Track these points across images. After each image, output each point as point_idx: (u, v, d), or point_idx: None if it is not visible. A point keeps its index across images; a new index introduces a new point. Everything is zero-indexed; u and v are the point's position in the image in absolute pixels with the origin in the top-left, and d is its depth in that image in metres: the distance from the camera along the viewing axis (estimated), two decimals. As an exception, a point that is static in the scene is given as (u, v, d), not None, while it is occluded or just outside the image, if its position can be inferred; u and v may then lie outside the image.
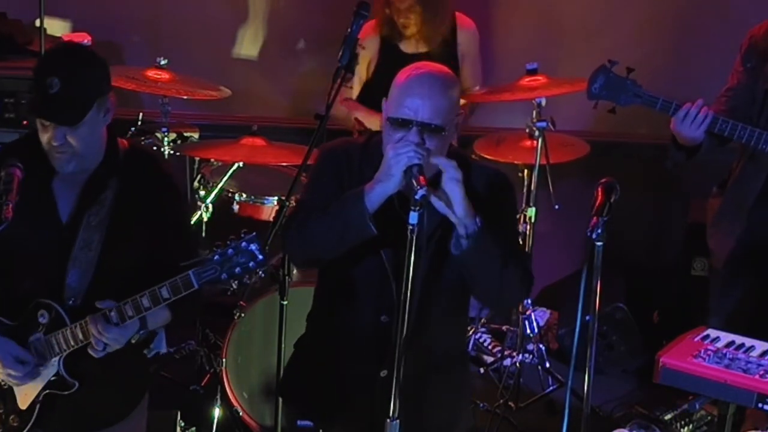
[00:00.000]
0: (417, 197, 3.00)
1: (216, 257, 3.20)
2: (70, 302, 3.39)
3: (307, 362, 3.54)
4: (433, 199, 3.09)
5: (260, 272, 3.28)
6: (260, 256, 3.22)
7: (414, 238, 2.99)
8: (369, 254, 3.24)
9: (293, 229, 3.36)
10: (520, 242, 3.42)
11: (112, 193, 3.41)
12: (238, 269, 3.21)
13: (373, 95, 5.33)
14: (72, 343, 3.36)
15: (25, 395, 3.44)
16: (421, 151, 3.11)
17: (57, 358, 3.40)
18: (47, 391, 3.42)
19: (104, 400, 3.50)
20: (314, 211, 3.28)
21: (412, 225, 3.00)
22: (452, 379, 3.48)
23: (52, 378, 3.42)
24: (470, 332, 5.33)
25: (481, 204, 3.23)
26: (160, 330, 3.50)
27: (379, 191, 3.16)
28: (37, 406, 3.43)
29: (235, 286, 3.17)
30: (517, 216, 3.45)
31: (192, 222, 3.56)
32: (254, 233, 3.25)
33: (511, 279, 3.25)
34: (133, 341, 3.36)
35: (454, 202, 3.13)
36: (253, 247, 3.21)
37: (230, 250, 3.21)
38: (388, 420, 3.06)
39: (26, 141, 3.48)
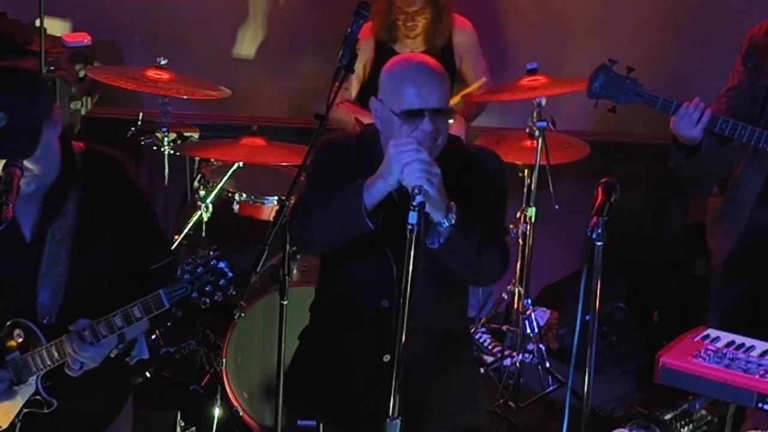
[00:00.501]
0: (415, 203, 3.03)
1: (186, 276, 3.19)
2: (45, 321, 3.34)
3: (312, 353, 3.56)
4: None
5: (231, 291, 3.26)
6: (230, 274, 3.23)
7: (413, 237, 3.00)
8: (371, 246, 3.24)
9: (296, 223, 3.38)
10: (505, 220, 3.43)
11: (74, 203, 3.34)
12: (208, 287, 3.21)
13: (368, 96, 5.32)
14: (48, 362, 3.32)
15: (5, 414, 3.40)
16: (422, 149, 3.12)
17: (34, 377, 3.35)
18: (27, 410, 3.38)
19: (86, 413, 3.46)
20: (315, 204, 3.31)
21: (411, 225, 3.01)
22: (459, 358, 3.51)
23: (31, 397, 3.37)
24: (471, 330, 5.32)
25: (469, 184, 3.29)
26: (140, 337, 3.44)
27: (379, 187, 3.17)
28: (18, 425, 3.39)
29: (207, 303, 3.16)
30: (505, 193, 3.45)
31: (157, 220, 3.49)
32: (220, 251, 3.25)
33: (489, 262, 3.29)
34: (112, 356, 3.32)
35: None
36: (222, 265, 3.22)
37: (200, 268, 3.20)
38: (388, 420, 3.06)
39: None
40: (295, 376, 3.63)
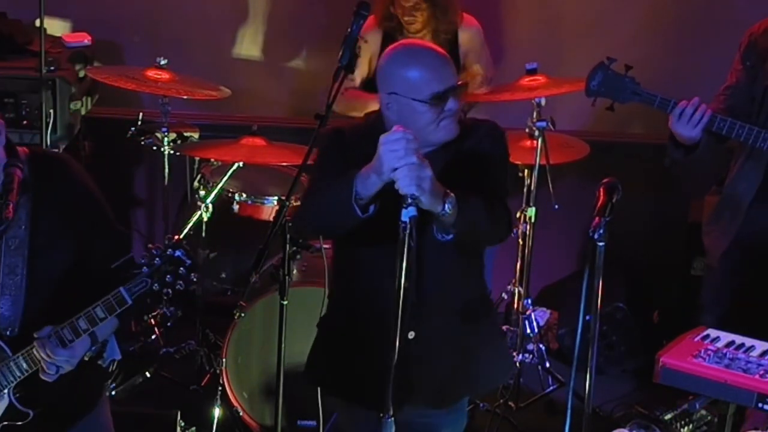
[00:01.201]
0: (407, 213, 3.02)
1: (144, 269, 3.19)
2: (8, 333, 3.31)
3: (333, 339, 3.56)
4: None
5: (192, 276, 3.26)
6: (188, 261, 3.22)
7: (406, 235, 3.00)
8: (382, 229, 3.19)
9: (301, 209, 3.42)
10: (505, 180, 3.46)
11: (25, 210, 3.29)
12: (168, 277, 3.20)
13: (374, 90, 5.31)
14: (18, 373, 3.30)
15: None
16: (411, 148, 3.08)
17: (6, 391, 3.33)
18: (3, 423, 3.35)
19: (63, 414, 3.44)
20: (317, 190, 3.34)
21: (404, 223, 3.01)
22: (483, 323, 3.54)
23: (6, 410, 3.35)
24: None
25: (474, 158, 3.33)
26: (110, 338, 3.40)
27: (373, 180, 3.15)
28: None
29: (170, 294, 3.16)
30: (504, 157, 3.47)
31: (111, 219, 3.45)
32: (177, 239, 3.25)
33: (495, 229, 3.32)
34: (86, 358, 3.31)
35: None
36: (178, 253, 3.21)
37: (157, 260, 3.20)
38: (381, 416, 3.08)
39: None
40: (316, 364, 3.62)
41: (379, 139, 3.14)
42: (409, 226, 3.00)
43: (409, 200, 3.03)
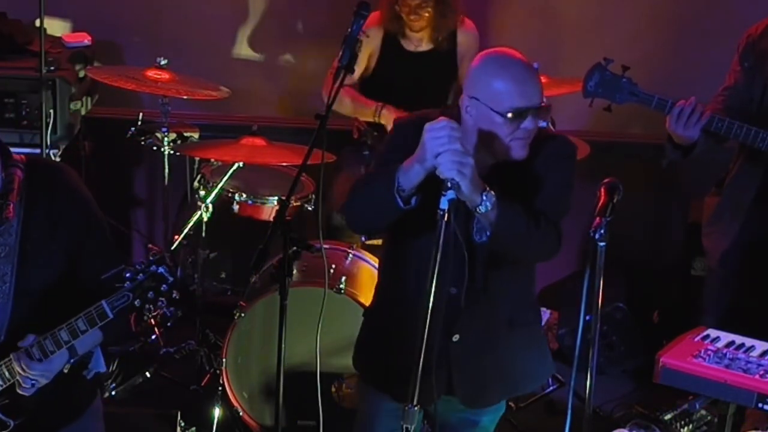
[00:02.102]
0: (446, 197, 3.05)
1: (127, 284, 3.17)
2: None
3: (379, 333, 3.57)
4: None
5: (174, 294, 3.25)
6: (170, 278, 3.20)
7: (443, 223, 3.03)
8: (430, 226, 3.17)
9: (349, 197, 3.39)
10: (563, 205, 3.44)
11: (18, 219, 3.27)
12: (150, 293, 3.19)
13: (371, 88, 5.33)
14: (1, 382, 3.29)
15: None
16: (455, 136, 3.10)
17: None
18: None
19: (45, 425, 3.42)
20: (363, 182, 3.37)
21: (442, 210, 3.04)
22: (528, 330, 3.54)
23: None
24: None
25: (534, 175, 3.31)
26: (95, 349, 3.40)
27: (416, 170, 3.16)
28: None
29: (152, 310, 3.15)
30: (565, 174, 3.42)
31: (104, 229, 3.44)
32: (162, 254, 3.24)
33: (540, 242, 3.31)
34: (65, 370, 3.29)
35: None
36: (161, 269, 3.19)
37: (140, 275, 3.18)
38: (406, 407, 3.09)
39: None
40: (362, 355, 3.64)
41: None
42: (447, 212, 3.03)
43: (449, 185, 3.05)
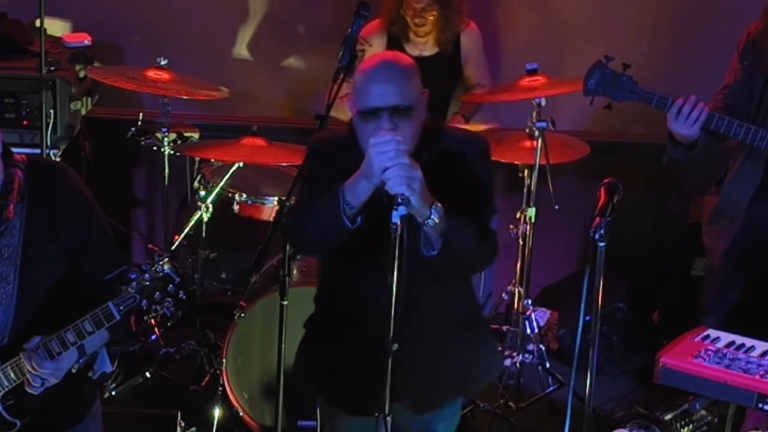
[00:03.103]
0: (398, 213, 3.04)
1: (134, 285, 3.18)
2: None
3: (318, 342, 3.56)
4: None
5: (181, 294, 3.26)
6: (176, 278, 3.22)
7: (397, 237, 3.03)
8: (370, 235, 3.22)
9: (288, 225, 3.43)
10: (491, 202, 3.45)
11: (19, 219, 3.27)
12: (157, 294, 3.20)
13: None
14: (6, 383, 3.28)
15: None
16: (402, 149, 3.10)
17: None
18: None
19: (50, 425, 3.42)
20: (305, 206, 3.35)
21: (395, 224, 3.03)
22: (472, 334, 3.52)
23: None
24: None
25: (449, 171, 3.29)
26: (101, 349, 3.39)
27: (363, 186, 3.16)
28: None
29: (159, 310, 3.16)
30: (485, 176, 3.43)
31: (106, 230, 3.45)
32: (168, 255, 3.25)
33: (481, 252, 3.32)
34: (74, 370, 3.29)
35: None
36: (168, 270, 3.20)
37: (147, 276, 3.19)
38: (377, 415, 3.10)
39: None
40: (302, 363, 3.63)
41: (361, 151, 3.18)
42: (399, 226, 3.02)
43: (399, 201, 3.05)
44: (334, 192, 3.19)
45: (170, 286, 3.21)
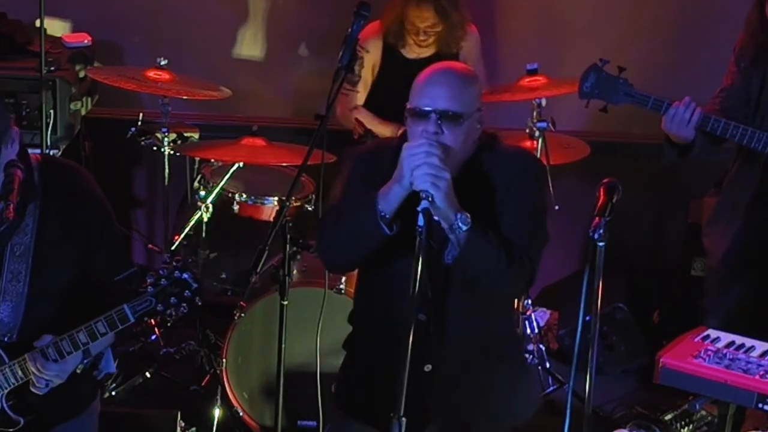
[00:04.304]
0: (419, 208, 3.06)
1: (150, 289, 3.18)
2: (6, 339, 3.31)
3: (356, 363, 3.55)
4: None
5: (197, 300, 3.25)
6: (194, 284, 3.21)
7: (421, 239, 3.03)
8: (404, 251, 3.19)
9: (321, 236, 3.38)
10: (536, 228, 3.36)
11: (33, 218, 3.30)
12: (173, 299, 3.20)
13: (376, 101, 5.34)
14: (12, 380, 3.29)
15: None
16: (433, 152, 3.11)
17: None
18: None
19: (50, 422, 3.43)
20: (340, 215, 3.31)
21: (420, 227, 3.04)
22: (506, 361, 3.48)
23: None
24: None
25: (495, 191, 3.27)
26: (106, 351, 3.40)
27: (395, 191, 3.17)
28: None
29: (174, 315, 3.16)
30: (534, 199, 3.36)
31: (118, 231, 3.49)
32: (186, 260, 3.26)
33: (512, 274, 3.24)
34: (78, 371, 3.30)
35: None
36: (186, 275, 3.20)
37: (164, 281, 3.18)
38: (392, 415, 3.07)
39: None
40: (342, 387, 3.60)
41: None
42: (422, 217, 3.03)
43: (423, 196, 3.06)
44: (369, 200, 3.19)
45: (186, 291, 3.21)
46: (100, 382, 3.55)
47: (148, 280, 3.18)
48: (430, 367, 3.21)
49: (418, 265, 3.02)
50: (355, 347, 3.57)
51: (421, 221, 3.04)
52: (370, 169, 3.35)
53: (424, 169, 3.09)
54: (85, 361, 3.29)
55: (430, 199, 3.07)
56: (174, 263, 3.22)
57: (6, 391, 3.31)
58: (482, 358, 3.40)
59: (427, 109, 3.21)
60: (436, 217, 3.12)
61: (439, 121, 3.19)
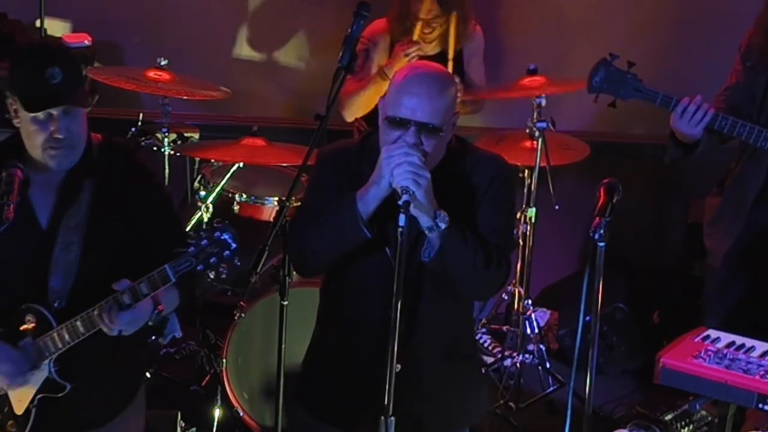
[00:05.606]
0: (400, 202, 3.06)
1: (191, 249, 3.22)
2: (56, 305, 3.38)
3: (321, 362, 3.55)
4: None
5: (236, 261, 3.29)
6: (233, 245, 3.25)
7: (402, 239, 3.03)
8: (373, 250, 3.25)
9: (293, 237, 3.38)
10: (510, 230, 3.45)
11: (89, 192, 3.42)
12: (213, 259, 3.24)
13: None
14: (60, 345, 3.35)
15: (20, 401, 3.43)
16: (413, 152, 3.11)
17: (47, 361, 3.38)
18: (41, 395, 3.41)
19: (97, 399, 3.49)
20: (313, 217, 3.31)
21: (401, 227, 3.04)
22: (465, 363, 3.50)
23: (44, 381, 3.40)
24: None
25: (471, 193, 3.28)
26: (171, 315, 3.48)
27: (373, 193, 3.18)
28: (33, 411, 3.41)
29: (212, 276, 3.18)
30: (510, 202, 3.41)
31: (173, 208, 3.62)
32: (227, 222, 3.28)
33: (486, 275, 3.25)
34: (150, 323, 3.36)
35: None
36: (226, 236, 3.24)
37: (204, 241, 3.23)
38: (383, 417, 3.09)
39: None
40: (306, 386, 3.61)
41: (374, 161, 3.19)
42: (404, 217, 3.02)
43: (403, 193, 3.06)
44: (348, 202, 3.19)
45: (226, 252, 3.24)
46: (147, 356, 3.57)
47: (190, 242, 3.23)
48: (399, 367, 3.18)
49: (399, 264, 3.03)
50: (321, 346, 3.56)
51: (402, 221, 3.03)
52: (337, 167, 3.36)
53: (405, 167, 3.09)
54: (155, 312, 3.34)
55: (411, 193, 3.07)
56: (215, 224, 3.26)
57: (54, 356, 3.37)
58: (446, 359, 3.41)
59: (406, 119, 3.19)
60: (415, 215, 3.12)
61: (418, 133, 3.18)
